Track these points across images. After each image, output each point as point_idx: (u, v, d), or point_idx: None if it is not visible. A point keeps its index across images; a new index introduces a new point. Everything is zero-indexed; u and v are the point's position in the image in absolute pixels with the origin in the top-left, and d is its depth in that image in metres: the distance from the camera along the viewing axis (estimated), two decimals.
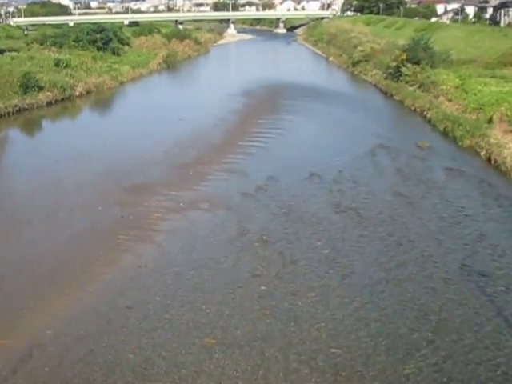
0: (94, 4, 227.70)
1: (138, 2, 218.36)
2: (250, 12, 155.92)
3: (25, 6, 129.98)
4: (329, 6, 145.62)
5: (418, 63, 43.08)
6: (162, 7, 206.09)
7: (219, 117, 36.82)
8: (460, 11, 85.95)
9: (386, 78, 48.04)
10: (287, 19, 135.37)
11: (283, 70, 66.92)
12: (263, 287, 15.71)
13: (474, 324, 13.89)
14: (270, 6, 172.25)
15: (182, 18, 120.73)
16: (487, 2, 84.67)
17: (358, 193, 22.66)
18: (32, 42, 63.71)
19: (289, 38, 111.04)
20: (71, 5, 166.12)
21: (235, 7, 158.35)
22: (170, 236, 19.16)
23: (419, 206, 21.22)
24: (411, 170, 25.46)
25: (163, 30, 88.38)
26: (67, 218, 20.61)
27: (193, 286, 15.86)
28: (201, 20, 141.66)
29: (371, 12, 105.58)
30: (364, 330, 13.74)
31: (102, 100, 47.94)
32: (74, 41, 60.98)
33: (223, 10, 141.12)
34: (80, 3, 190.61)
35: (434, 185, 23.54)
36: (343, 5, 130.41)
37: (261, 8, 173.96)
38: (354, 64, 59.89)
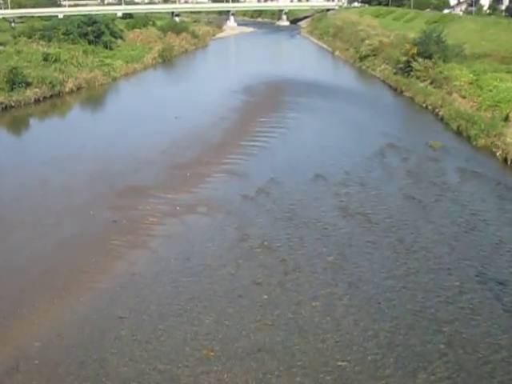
0: None
1: None
2: (251, 3, 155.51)
3: None
4: None
5: (429, 57, 43.09)
6: None
7: (218, 115, 36.85)
8: (474, 2, 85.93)
9: (395, 74, 48.04)
10: (290, 11, 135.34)
11: (286, 65, 66.96)
12: (265, 296, 15.73)
13: (490, 335, 13.90)
14: None
15: (179, 10, 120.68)
16: None
17: (366, 196, 22.68)
18: (19, 36, 63.73)
19: (292, 31, 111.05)
20: None
21: None
22: (165, 242, 19.17)
23: (431, 210, 21.22)
24: (423, 172, 25.47)
25: (158, 23, 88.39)
26: (56, 222, 20.62)
27: (190, 294, 15.87)
28: (199, 12, 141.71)
29: (380, 3, 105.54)
30: (372, 341, 13.75)
31: (94, 97, 47.98)
32: (63, 34, 60.99)
33: (222, 2, 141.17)
34: None
35: (447, 187, 23.54)
36: None
37: None
38: (362, 58, 59.90)
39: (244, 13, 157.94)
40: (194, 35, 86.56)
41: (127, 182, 24.60)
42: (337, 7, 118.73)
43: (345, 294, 15.76)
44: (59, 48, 54.49)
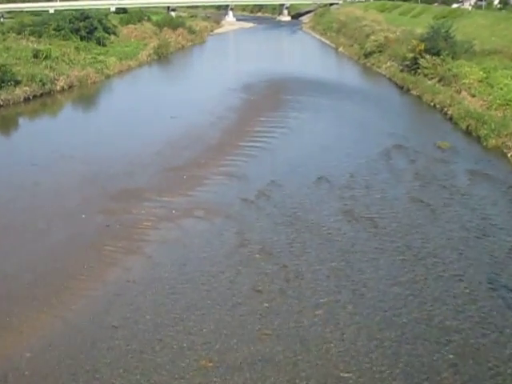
0: None
1: None
2: None
3: None
4: None
5: (437, 54, 43.13)
6: None
7: (216, 114, 36.89)
8: None
9: (401, 71, 48.09)
10: (292, 5, 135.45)
11: (287, 62, 67.07)
12: (265, 304, 15.74)
13: (501, 346, 13.91)
14: None
15: (175, 4, 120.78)
16: None
17: (371, 199, 22.70)
18: (8, 31, 63.72)
19: (294, 27, 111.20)
20: None
21: None
22: (161, 247, 19.19)
23: (440, 215, 21.23)
24: (431, 174, 25.49)
25: (154, 18, 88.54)
26: (46, 227, 20.64)
27: (187, 302, 15.88)
28: (196, 6, 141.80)
29: None
30: (378, 351, 13.75)
31: (86, 95, 48.04)
32: (54, 29, 61.05)
33: None
34: None
35: (457, 190, 23.55)
36: None
37: None
38: (367, 55, 59.98)
39: (243, 7, 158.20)
40: (191, 31, 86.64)
41: (121, 184, 24.63)
42: (340, 1, 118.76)
43: (349, 301, 15.77)
44: (50, 44, 54.48)
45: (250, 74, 53.12)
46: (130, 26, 77.57)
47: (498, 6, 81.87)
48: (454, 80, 39.00)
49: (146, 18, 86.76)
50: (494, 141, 28.95)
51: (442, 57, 42.64)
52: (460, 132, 32.26)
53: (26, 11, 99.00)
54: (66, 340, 14.44)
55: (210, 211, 21.85)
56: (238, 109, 39.08)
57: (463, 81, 37.70)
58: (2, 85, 40.67)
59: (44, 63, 47.22)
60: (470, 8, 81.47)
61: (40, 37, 59.25)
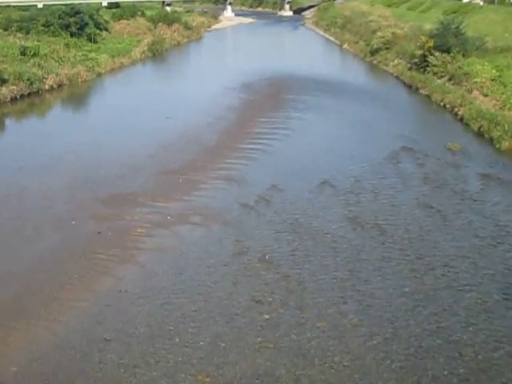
0: None
1: None
2: None
3: None
4: None
5: (447, 51, 43.18)
6: None
7: (214, 114, 36.91)
8: None
9: (410, 69, 48.16)
10: (294, 0, 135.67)
11: (289, 60, 67.04)
12: (266, 315, 15.73)
13: None
14: None
15: None
16: None
17: (378, 205, 22.70)
18: None
19: (296, 22, 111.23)
20: None
21: None
22: (155, 256, 19.19)
23: (451, 222, 21.23)
24: (441, 178, 25.50)
25: (148, 13, 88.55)
26: (35, 234, 20.64)
27: (183, 314, 15.87)
28: (192, 1, 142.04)
29: None
30: (385, 366, 13.75)
31: (77, 95, 48.04)
32: (43, 25, 61.05)
33: None
34: None
35: (469, 196, 23.55)
36: None
37: None
38: (373, 52, 60.03)
39: (242, 2, 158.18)
40: (187, 27, 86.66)
41: (113, 188, 24.63)
42: None
43: (354, 313, 15.77)
44: (38, 41, 54.46)
45: (250, 73, 53.14)
46: (123, 21, 77.52)
47: None
48: (464, 79, 39.05)
49: (139, 13, 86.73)
50: (507, 143, 28.97)
51: (452, 54, 42.69)
52: (471, 133, 32.28)
53: (14, 6, 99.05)
54: (55, 354, 14.43)
55: (208, 217, 21.86)
56: (236, 109, 39.10)
57: (475, 79, 37.73)
58: None
59: (32, 61, 47.19)
60: (481, 3, 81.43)
61: (28, 33, 59.23)
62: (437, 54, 43.48)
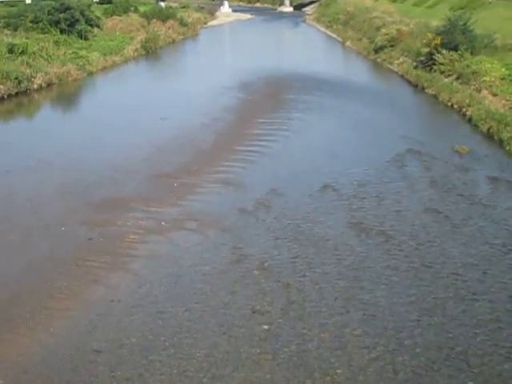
0: None
1: None
2: None
3: None
4: None
5: (455, 49, 43.21)
6: None
7: (210, 115, 36.94)
8: None
9: (415, 68, 48.19)
10: None
11: (289, 58, 67.17)
12: (265, 326, 15.73)
13: None
14: None
15: None
16: None
17: (383, 211, 22.69)
18: None
19: (296, 18, 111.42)
20: None
21: None
22: (149, 263, 19.18)
23: (460, 229, 21.18)
24: (449, 183, 25.49)
25: (141, 9, 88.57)
26: (22, 240, 20.62)
27: (178, 325, 15.86)
28: None
29: None
30: (390, 380, 13.74)
31: (67, 94, 48.03)
32: (31, 22, 61.05)
33: None
34: None
35: (479, 201, 23.51)
36: None
37: None
38: (377, 50, 60.09)
39: None
40: (183, 23, 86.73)
41: (104, 193, 24.63)
42: None
43: (358, 324, 15.76)
44: (27, 38, 54.41)
45: (248, 71, 53.21)
46: (115, 17, 77.53)
47: None
48: (473, 77, 39.07)
49: (132, 8, 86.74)
50: None
51: (459, 52, 42.70)
52: (480, 135, 32.30)
53: (1, 1, 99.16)
54: (44, 366, 14.41)
55: (204, 223, 21.85)
56: (234, 109, 39.13)
57: (483, 78, 37.74)
58: None
59: (20, 59, 47.14)
60: None
61: (16, 30, 59.26)
62: (444, 51, 43.48)
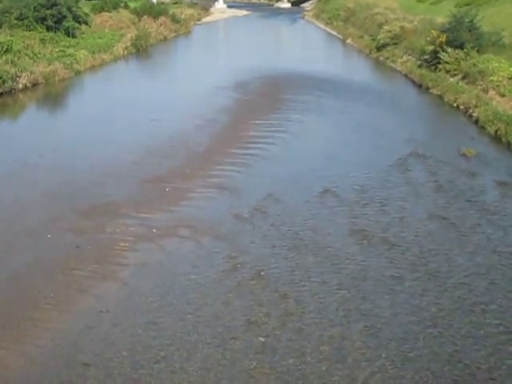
0: None
1: None
2: None
3: None
4: None
5: (461, 47, 43.28)
6: None
7: (204, 117, 36.95)
8: None
9: (419, 66, 48.27)
10: None
11: (288, 56, 67.23)
12: (261, 338, 15.73)
13: None
14: None
15: None
16: None
17: (386, 218, 22.71)
18: None
19: (294, 15, 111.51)
20: None
21: None
22: (139, 272, 19.17)
23: (468, 237, 21.18)
24: (455, 188, 25.51)
25: (132, 5, 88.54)
26: (6, 248, 20.59)
27: (169, 337, 15.86)
28: None
29: None
30: None
31: (53, 95, 48.02)
32: (16, 19, 61.04)
33: None
34: None
35: (487, 207, 23.53)
36: None
37: None
38: (379, 48, 60.18)
39: None
40: (175, 20, 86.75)
41: (93, 198, 24.61)
42: None
43: (359, 336, 15.76)
44: (11, 36, 54.37)
45: (244, 70, 53.21)
46: (104, 14, 77.50)
47: None
48: (480, 77, 39.13)
49: (122, 4, 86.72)
50: None
51: (466, 50, 42.75)
52: (487, 137, 32.35)
53: None
54: (30, 380, 14.39)
55: (197, 230, 21.85)
56: (229, 110, 39.14)
57: (491, 78, 37.81)
58: None
59: (4, 57, 47.08)
60: None
61: (0, 27, 59.25)
62: (449, 50, 43.54)
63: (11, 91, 44.44)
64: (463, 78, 41.42)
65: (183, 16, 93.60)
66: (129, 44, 66.31)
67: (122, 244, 20.79)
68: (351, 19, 79.17)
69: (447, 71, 43.34)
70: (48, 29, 60.18)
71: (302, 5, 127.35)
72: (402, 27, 58.36)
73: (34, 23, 60.28)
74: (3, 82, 43.75)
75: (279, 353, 15.14)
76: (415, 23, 58.93)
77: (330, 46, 75.26)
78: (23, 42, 52.25)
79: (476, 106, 36.05)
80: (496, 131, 32.03)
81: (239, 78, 49.48)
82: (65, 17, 62.88)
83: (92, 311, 17.04)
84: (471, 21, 45.35)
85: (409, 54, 52.80)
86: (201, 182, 26.33)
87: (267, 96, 43.63)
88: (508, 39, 45.97)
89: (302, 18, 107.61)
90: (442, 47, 44.39)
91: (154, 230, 21.76)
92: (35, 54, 51.00)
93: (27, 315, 16.75)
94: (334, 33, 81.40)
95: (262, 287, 18.04)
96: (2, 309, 17.09)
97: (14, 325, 16.32)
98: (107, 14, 77.65)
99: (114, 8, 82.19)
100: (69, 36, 61.38)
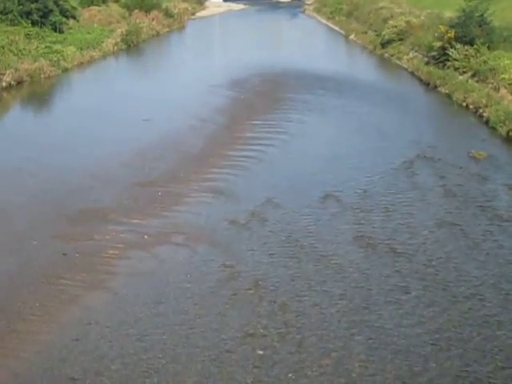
0: None
1: None
2: None
3: None
4: None
5: (470, 43, 43.36)
6: None
7: (199, 117, 36.98)
8: None
9: (427, 64, 48.36)
10: None
11: (288, 53, 67.27)
12: (259, 351, 15.72)
13: None
14: None
15: None
16: None
17: (392, 225, 22.70)
18: None
19: (294, 9, 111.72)
20: None
21: None
22: (130, 281, 19.17)
23: (479, 246, 21.14)
24: (465, 193, 25.50)
25: None
26: None
27: (162, 350, 15.84)
28: None
29: None
30: None
31: (39, 93, 48.00)
32: (0, 13, 61.11)
33: None
34: None
35: (499, 214, 23.50)
36: None
37: None
38: (384, 44, 60.30)
39: None
40: (168, 14, 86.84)
41: (81, 203, 24.61)
42: None
43: (363, 350, 15.75)
44: None
45: (241, 68, 53.29)
46: (93, 8, 77.50)
47: None
48: (490, 75, 39.19)
49: None
50: None
51: (476, 46, 42.82)
52: (499, 139, 32.39)
53: None
54: None
55: (191, 236, 21.86)
56: (225, 110, 39.17)
57: (502, 76, 37.87)
58: None
59: None
60: None
61: None
62: (458, 46, 43.61)
63: None
64: (473, 75, 41.46)
65: (177, 10, 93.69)
66: (119, 40, 66.35)
67: (111, 251, 20.78)
68: (354, 14, 79.33)
69: (456, 69, 43.38)
70: (33, 23, 60.14)
71: None
72: (408, 22, 58.48)
73: (19, 17, 60.25)
74: None
75: (278, 366, 15.13)
76: (422, 18, 59.08)
77: (332, 42, 75.38)
78: (7, 38, 52.24)
79: (486, 106, 36.06)
80: (508, 132, 32.06)
81: (236, 76, 49.55)
82: (51, 11, 62.86)
83: (79, 323, 17.02)
84: (481, 15, 45.40)
85: (415, 51, 52.89)
86: (195, 186, 26.34)
87: (265, 95, 43.68)
88: None
89: (303, 12, 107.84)
90: (450, 43, 44.45)
91: (146, 237, 21.76)
92: (20, 51, 50.98)
93: (11, 327, 16.73)
94: (337, 28, 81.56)
95: (260, 297, 18.05)
96: None
97: None
98: (96, 8, 77.63)
99: (104, 2, 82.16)
100: (55, 31, 61.38)
